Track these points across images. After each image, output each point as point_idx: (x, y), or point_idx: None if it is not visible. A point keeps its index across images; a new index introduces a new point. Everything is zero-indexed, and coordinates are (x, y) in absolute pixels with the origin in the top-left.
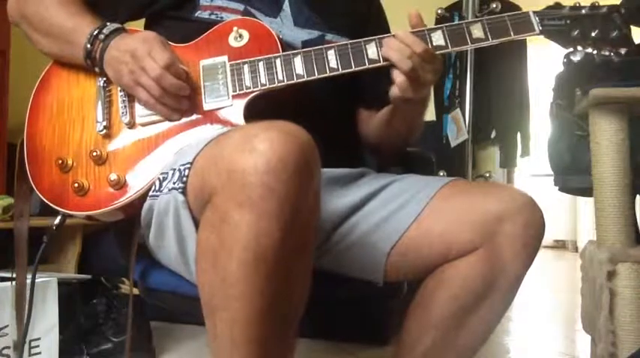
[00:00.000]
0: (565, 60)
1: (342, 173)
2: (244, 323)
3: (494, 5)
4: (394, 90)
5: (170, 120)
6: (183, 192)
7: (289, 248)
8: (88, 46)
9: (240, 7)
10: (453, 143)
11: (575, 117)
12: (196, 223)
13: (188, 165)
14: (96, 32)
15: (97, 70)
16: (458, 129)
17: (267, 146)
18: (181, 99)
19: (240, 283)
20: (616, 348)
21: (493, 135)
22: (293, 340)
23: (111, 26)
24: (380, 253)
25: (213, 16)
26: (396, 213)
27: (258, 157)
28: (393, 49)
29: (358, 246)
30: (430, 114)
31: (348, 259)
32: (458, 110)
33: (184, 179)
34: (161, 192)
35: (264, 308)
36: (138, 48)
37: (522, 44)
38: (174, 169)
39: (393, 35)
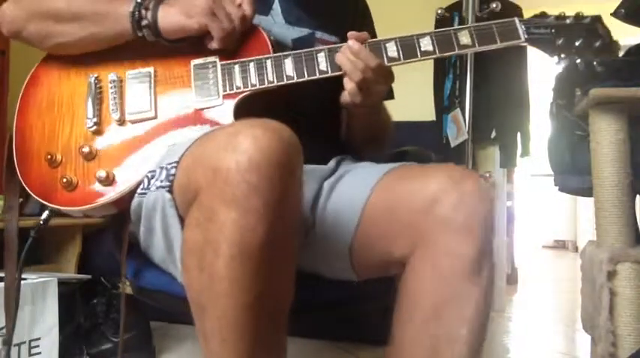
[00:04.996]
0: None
1: (326, 170)
2: (232, 320)
3: (494, 5)
4: (344, 96)
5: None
6: (170, 190)
7: (274, 244)
8: (136, 14)
9: None
10: (453, 143)
11: (575, 117)
12: (183, 222)
13: (175, 164)
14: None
15: (145, 31)
16: (458, 129)
17: (250, 143)
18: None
19: (226, 280)
20: (616, 348)
21: (493, 135)
22: (282, 335)
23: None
24: (343, 248)
25: None
26: (348, 207)
27: (241, 155)
28: (348, 59)
29: (326, 243)
30: (430, 114)
31: (320, 258)
32: (458, 110)
33: (171, 178)
34: (149, 189)
35: (251, 304)
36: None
37: None
38: (162, 168)
39: (385, 40)
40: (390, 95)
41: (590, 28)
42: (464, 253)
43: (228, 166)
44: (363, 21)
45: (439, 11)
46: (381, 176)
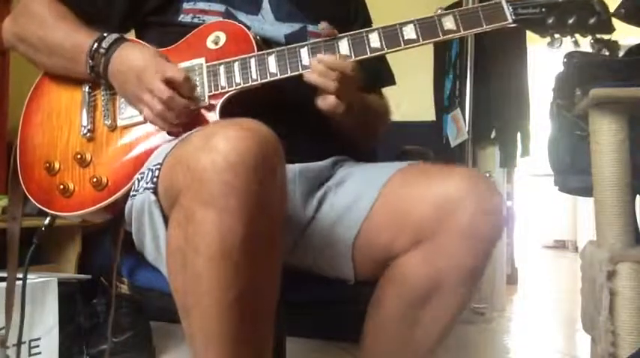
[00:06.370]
0: (565, 60)
1: (320, 169)
2: (216, 319)
3: None
4: (324, 104)
5: (169, 134)
6: (155, 191)
7: (255, 242)
8: (90, 61)
9: (222, 8)
10: (453, 143)
11: (575, 117)
12: (167, 222)
13: (158, 166)
14: (95, 46)
15: (102, 82)
16: (458, 129)
17: (225, 143)
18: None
19: (208, 279)
20: (616, 348)
21: (493, 135)
22: (268, 334)
23: (109, 38)
24: (345, 246)
25: (195, 20)
26: (354, 204)
27: (217, 155)
28: (320, 74)
29: (326, 240)
30: (430, 114)
31: (320, 255)
32: (458, 110)
33: (155, 179)
34: (138, 191)
35: (233, 303)
36: (146, 67)
37: (522, 44)
38: (149, 169)
39: (367, 30)
40: (391, 81)
41: (585, 3)
42: (464, 262)
43: (204, 167)
44: (356, 8)
45: (439, 11)
46: (388, 176)
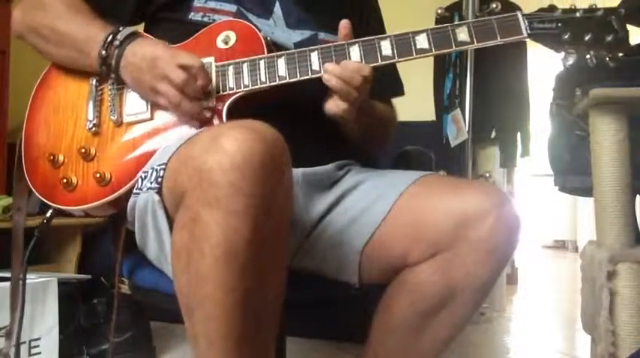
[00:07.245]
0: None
1: (324, 173)
2: (218, 321)
3: (494, 5)
4: (330, 109)
5: (189, 123)
6: (159, 192)
7: (260, 245)
8: (103, 52)
9: (233, 8)
10: (453, 143)
11: (575, 117)
12: (171, 223)
13: (163, 166)
14: (110, 38)
15: (112, 76)
16: (458, 129)
17: (232, 144)
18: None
19: (212, 281)
20: (616, 348)
21: (493, 135)
22: (271, 337)
23: (125, 31)
24: (354, 251)
25: (205, 19)
26: (367, 211)
27: (223, 156)
28: (336, 76)
29: (334, 244)
30: (430, 114)
31: (325, 258)
32: (458, 110)
33: (159, 179)
34: (141, 190)
35: (237, 305)
36: (160, 55)
37: (522, 44)
38: (153, 168)
39: (379, 38)
40: (400, 91)
41: (603, 21)
42: (480, 274)
43: (210, 168)
44: (369, 14)
45: (439, 11)
46: (405, 186)
